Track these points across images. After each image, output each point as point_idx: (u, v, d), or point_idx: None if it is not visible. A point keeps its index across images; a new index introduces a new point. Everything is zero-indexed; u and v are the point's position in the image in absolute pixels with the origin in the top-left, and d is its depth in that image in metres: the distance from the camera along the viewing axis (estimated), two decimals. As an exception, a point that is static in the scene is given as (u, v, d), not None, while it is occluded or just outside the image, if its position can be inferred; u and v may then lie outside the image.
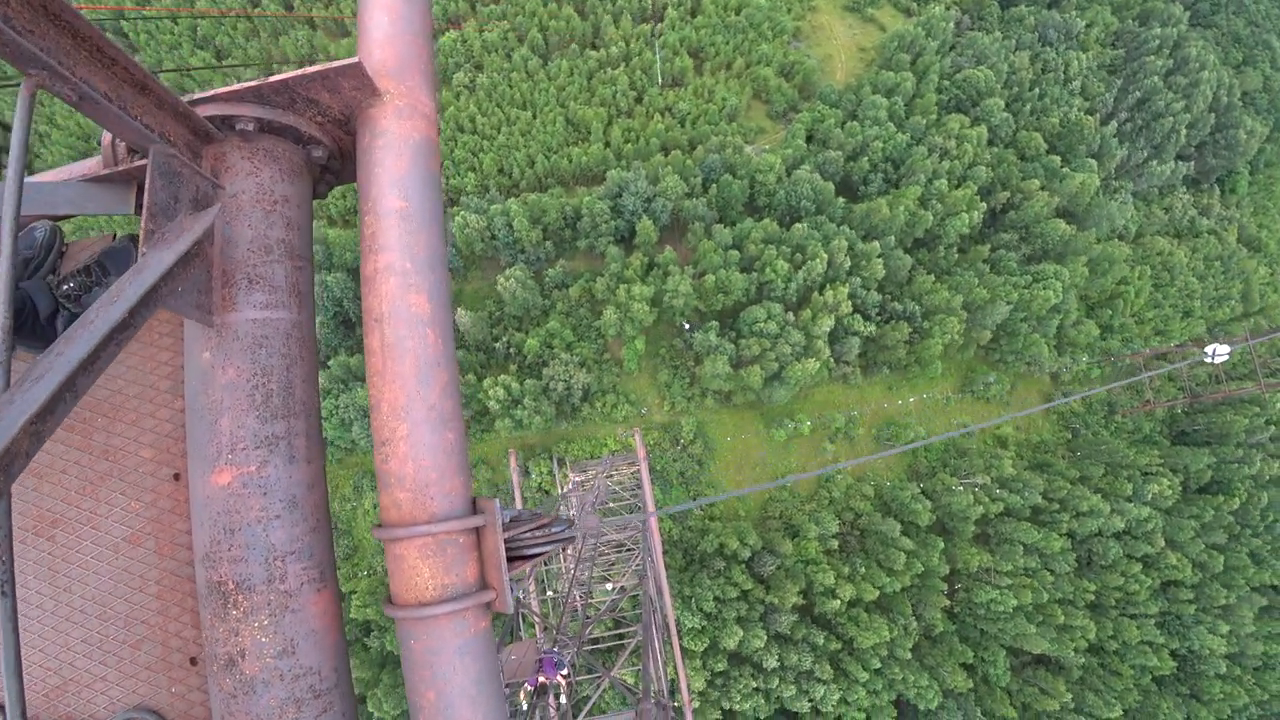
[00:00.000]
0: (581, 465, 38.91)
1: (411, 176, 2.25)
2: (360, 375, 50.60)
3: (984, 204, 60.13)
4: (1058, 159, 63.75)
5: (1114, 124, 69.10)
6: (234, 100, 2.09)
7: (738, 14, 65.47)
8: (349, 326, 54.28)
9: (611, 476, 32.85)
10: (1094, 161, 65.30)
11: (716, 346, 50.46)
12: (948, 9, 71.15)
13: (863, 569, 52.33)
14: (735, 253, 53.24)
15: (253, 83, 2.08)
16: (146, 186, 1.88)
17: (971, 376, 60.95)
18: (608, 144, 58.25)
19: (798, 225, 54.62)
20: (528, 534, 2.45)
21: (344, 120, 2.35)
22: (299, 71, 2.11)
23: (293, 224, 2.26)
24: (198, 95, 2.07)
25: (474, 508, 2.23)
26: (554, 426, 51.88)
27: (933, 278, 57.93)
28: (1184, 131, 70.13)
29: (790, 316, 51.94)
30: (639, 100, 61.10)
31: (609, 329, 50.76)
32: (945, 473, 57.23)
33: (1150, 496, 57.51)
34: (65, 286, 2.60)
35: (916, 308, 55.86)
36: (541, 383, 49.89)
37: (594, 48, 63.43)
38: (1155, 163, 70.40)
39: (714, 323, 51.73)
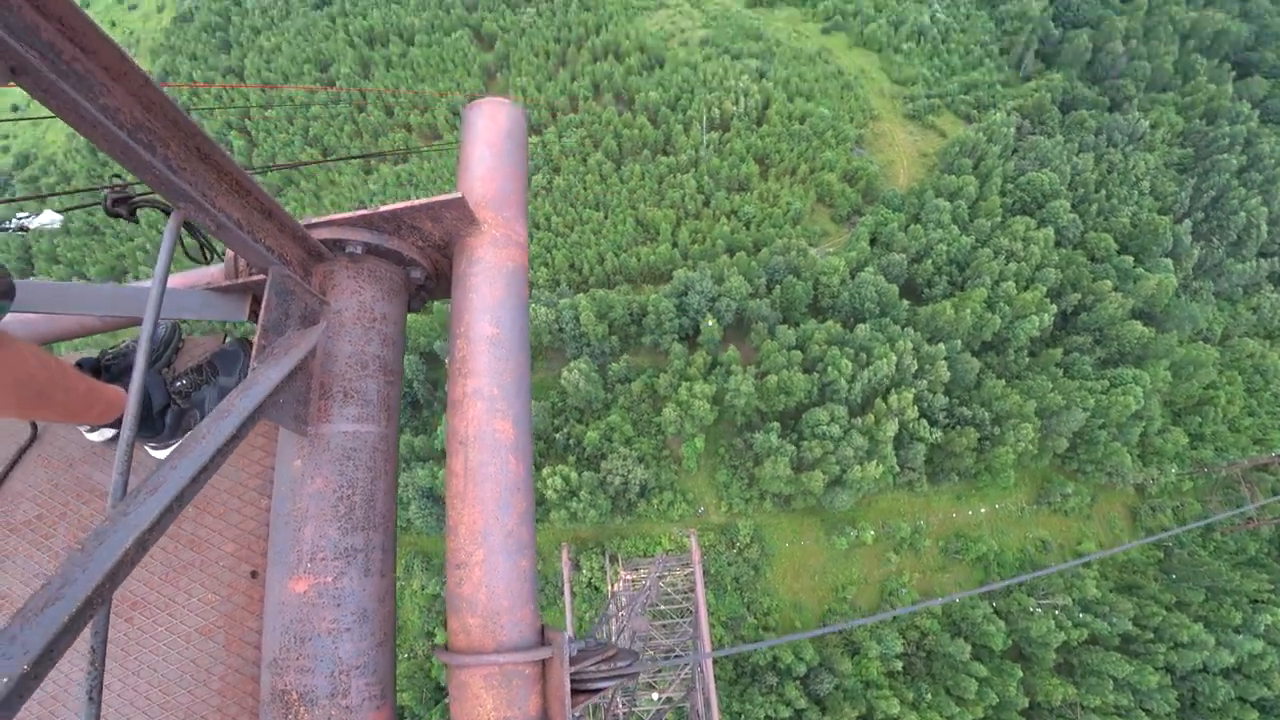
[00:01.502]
0: (634, 563, 37.25)
1: (504, 304, 2.28)
2: (421, 455, 51.21)
3: (1054, 306, 57.26)
4: (1130, 259, 60.72)
5: (1188, 223, 65.71)
6: (346, 226, 2.18)
7: (801, 123, 66.33)
8: (415, 407, 55.05)
9: (664, 577, 31.37)
10: (1170, 261, 61.85)
11: (777, 448, 48.48)
12: (1008, 115, 70.21)
13: (929, 695, 47.45)
14: (798, 353, 51.87)
15: (364, 211, 2.17)
16: (263, 304, 1.97)
17: (1047, 487, 56.40)
18: (675, 244, 58.75)
19: (861, 326, 53.10)
20: (593, 667, 2.21)
21: (443, 245, 2.42)
22: (407, 204, 2.19)
23: (388, 340, 2.29)
24: (314, 220, 2.14)
25: (542, 637, 2.11)
26: (608, 521, 50.31)
27: (1003, 382, 54.79)
28: (1264, 227, 65.95)
29: (854, 420, 49.65)
30: (706, 204, 61.79)
31: (669, 426, 49.63)
32: (1021, 591, 52.27)
33: (1264, 628, 50.70)
34: (179, 383, 2.76)
35: (986, 413, 52.63)
36: (599, 475, 48.79)
37: (665, 154, 65.11)
38: (1235, 261, 66.06)
39: (775, 424, 49.93)
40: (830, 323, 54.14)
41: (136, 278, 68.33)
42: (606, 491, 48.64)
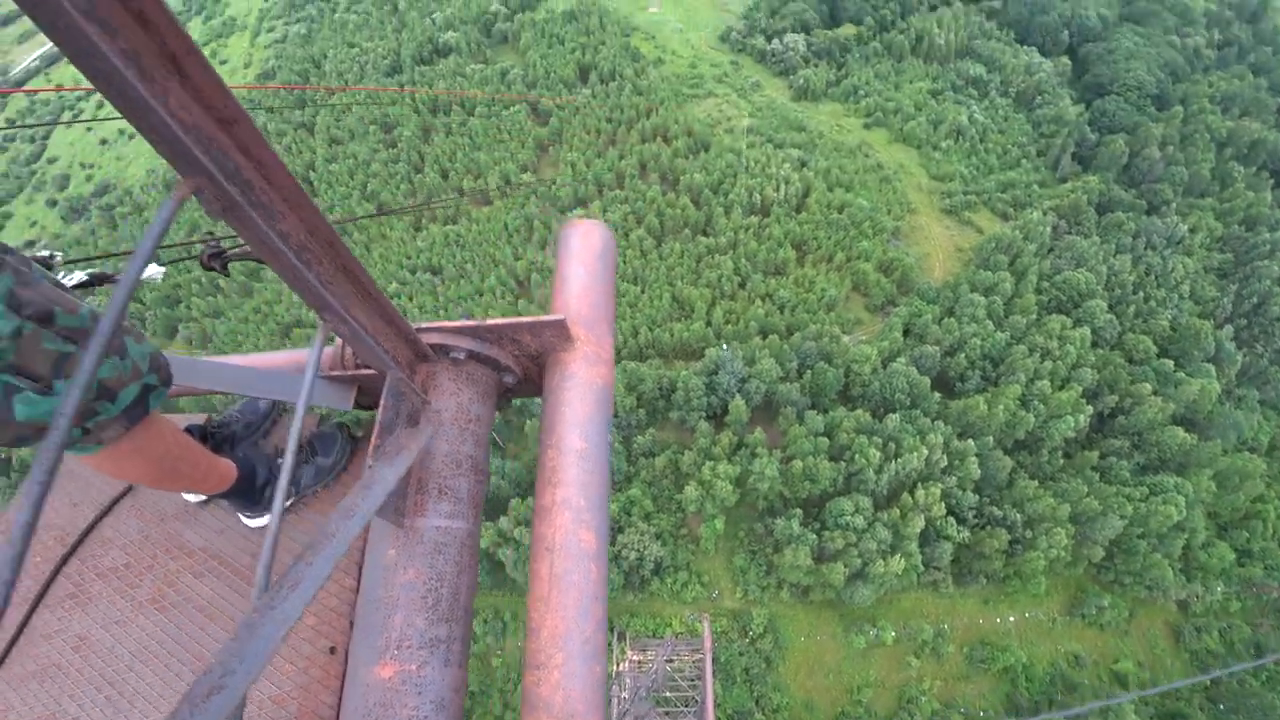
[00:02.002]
0: (642, 643, 35.96)
1: (592, 420, 2.32)
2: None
3: (1090, 407, 55.77)
4: (1170, 363, 59.17)
5: (1230, 328, 64.19)
6: (454, 334, 2.30)
7: (840, 213, 67.18)
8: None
9: (672, 661, 30.38)
10: (1212, 367, 60.16)
11: (798, 536, 47.18)
12: (1044, 214, 70.21)
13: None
14: (825, 440, 51.06)
15: (472, 322, 2.29)
16: (381, 406, 2.19)
17: (1081, 597, 53.65)
18: (709, 323, 59.06)
19: (891, 417, 52.25)
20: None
21: (536, 356, 2.52)
22: (514, 321, 2.31)
23: (479, 440, 2.35)
24: (425, 325, 2.25)
25: None
26: (619, 597, 49.08)
27: (1035, 483, 53.03)
28: (1310, 335, 64.15)
29: (879, 513, 48.28)
30: (742, 285, 62.35)
31: (690, 504, 48.78)
32: (1052, 709, 49.09)
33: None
34: (279, 460, 2.85)
35: (1017, 515, 50.76)
36: (614, 549, 47.79)
37: (705, 234, 66.24)
38: (1281, 369, 64.05)
39: (798, 511, 48.77)
40: (860, 411, 53.39)
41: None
42: (620, 566, 47.59)
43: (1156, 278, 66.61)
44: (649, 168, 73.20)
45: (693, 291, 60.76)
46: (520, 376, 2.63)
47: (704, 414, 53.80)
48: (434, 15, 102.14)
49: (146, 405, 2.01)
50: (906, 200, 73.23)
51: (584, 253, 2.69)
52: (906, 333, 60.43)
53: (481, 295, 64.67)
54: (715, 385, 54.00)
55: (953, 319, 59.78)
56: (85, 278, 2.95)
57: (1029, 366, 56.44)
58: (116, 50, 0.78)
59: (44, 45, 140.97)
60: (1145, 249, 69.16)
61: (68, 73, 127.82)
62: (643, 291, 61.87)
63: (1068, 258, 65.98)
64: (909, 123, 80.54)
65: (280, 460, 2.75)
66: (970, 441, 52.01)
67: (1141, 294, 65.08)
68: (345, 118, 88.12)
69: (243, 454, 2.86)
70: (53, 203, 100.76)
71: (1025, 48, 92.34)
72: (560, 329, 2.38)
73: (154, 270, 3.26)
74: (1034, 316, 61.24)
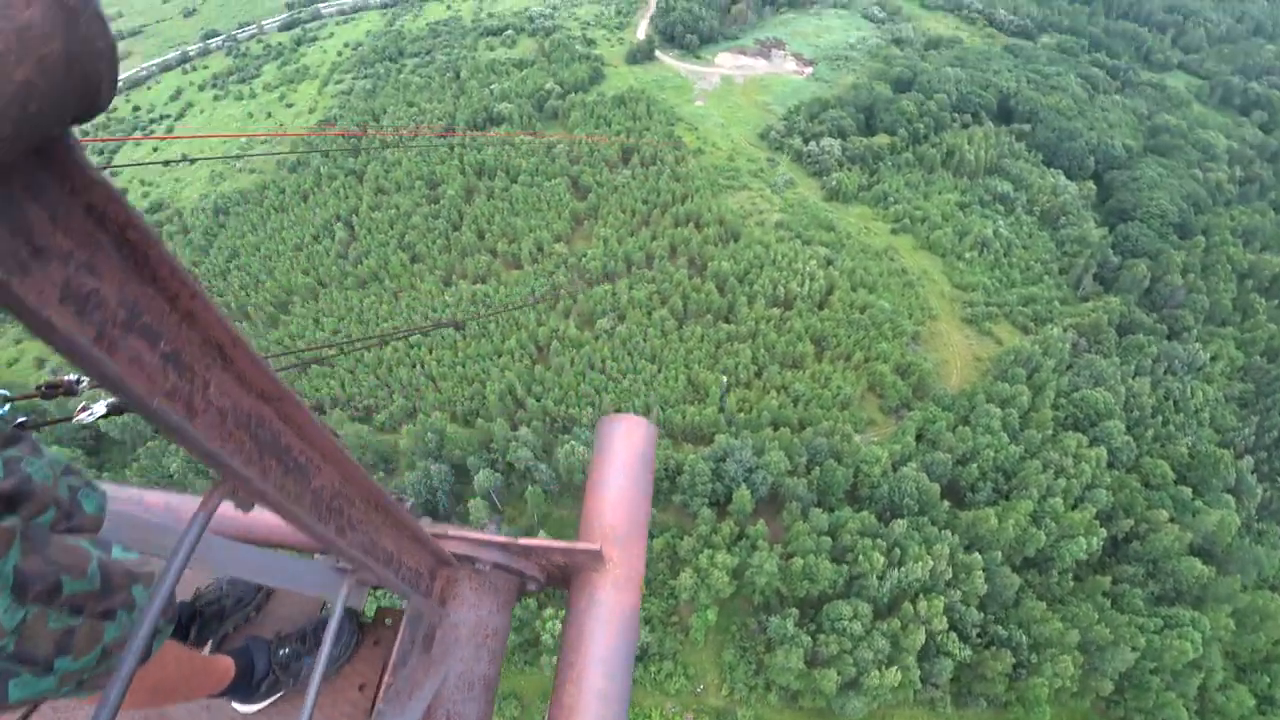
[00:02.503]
0: None
1: (617, 654, 2.28)
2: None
3: (1104, 530, 54.23)
4: (1189, 491, 57.93)
5: (1250, 460, 62.86)
6: (482, 546, 2.25)
7: (861, 313, 67.77)
8: (432, 515, 54.36)
9: None
10: (1231, 498, 58.82)
11: (792, 636, 45.77)
12: (1065, 331, 70.17)
13: None
14: (828, 540, 50.13)
15: (502, 540, 2.27)
16: (398, 640, 2.13)
17: (1087, 733, 50.90)
18: (722, 409, 58.97)
19: (898, 522, 51.32)
20: None
21: (563, 568, 2.45)
22: (547, 544, 2.28)
23: (495, 657, 2.28)
24: (451, 533, 2.22)
25: None
26: None
27: (1044, 605, 51.34)
28: (1333, 475, 62.50)
29: (878, 621, 46.79)
30: (759, 374, 62.55)
31: (683, 592, 47.70)
32: None
33: None
34: (283, 651, 2.65)
35: (1023, 636, 48.91)
36: (602, 630, 46.36)
37: (727, 321, 66.97)
38: (1304, 506, 62.23)
39: (794, 610, 47.43)
40: (866, 513, 52.54)
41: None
42: (609, 651, 46.15)
43: (1176, 403, 65.94)
44: (679, 251, 74.79)
45: (709, 376, 61.02)
46: (544, 582, 2.61)
47: (707, 500, 53.13)
48: (492, 86, 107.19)
49: (149, 651, 1.80)
50: (928, 306, 73.81)
51: (625, 454, 2.60)
52: (919, 438, 59.86)
53: (500, 356, 65.31)
54: (722, 472, 53.51)
55: (967, 428, 59.26)
56: (105, 410, 2.92)
57: (1042, 483, 55.40)
58: (156, 355, 0.75)
59: (131, 69, 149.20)
60: (1165, 373, 68.75)
61: (145, 96, 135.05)
62: (659, 371, 62.22)
63: (1086, 376, 65.62)
64: (935, 231, 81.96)
65: (283, 650, 2.67)
66: (978, 555, 50.77)
67: (1160, 418, 64.30)
68: (394, 171, 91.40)
69: (240, 644, 2.64)
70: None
71: (1052, 170, 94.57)
72: (593, 556, 2.37)
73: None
74: (1050, 432, 60.51)
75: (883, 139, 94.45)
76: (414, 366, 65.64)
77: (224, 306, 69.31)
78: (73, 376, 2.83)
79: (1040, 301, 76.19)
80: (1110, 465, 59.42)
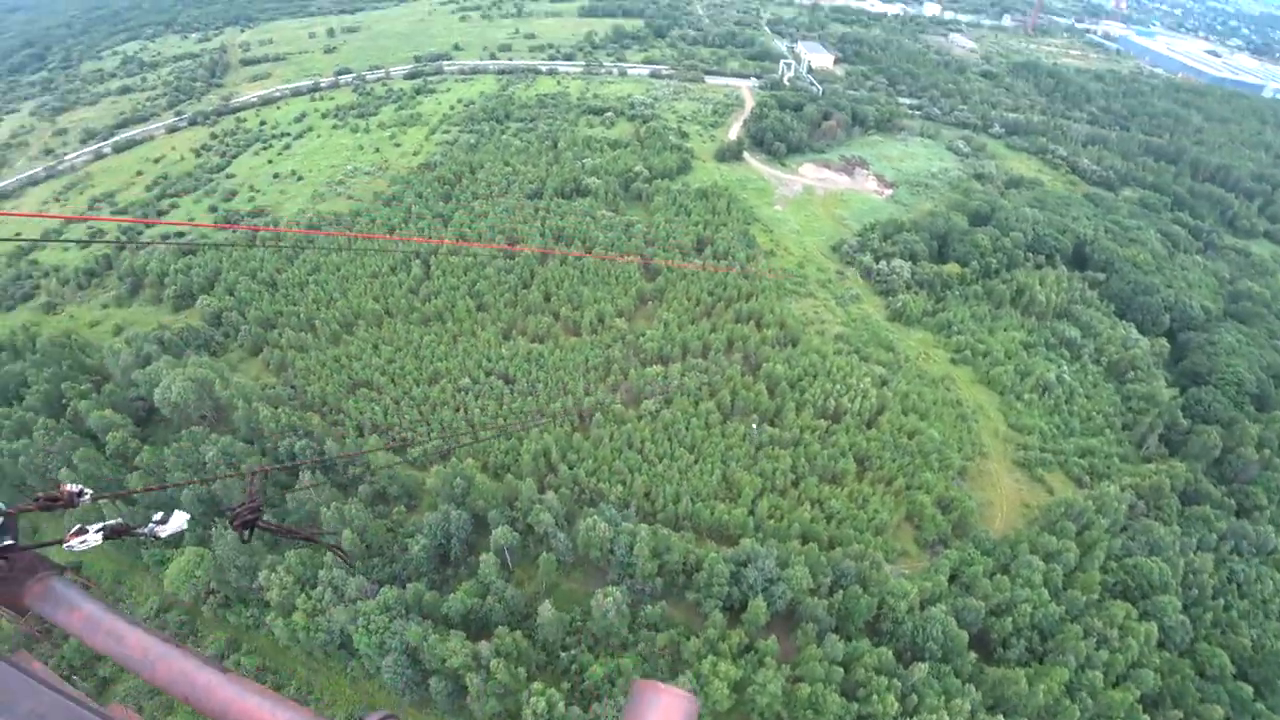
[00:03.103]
0: None
1: None
2: (424, 611, 48.42)
3: (1148, 717, 49.25)
4: (1250, 690, 52.44)
5: None
6: None
7: (910, 438, 65.80)
8: (443, 561, 53.63)
9: None
10: None
11: (786, 772, 42.46)
12: (1122, 490, 66.12)
13: None
14: (841, 671, 47.12)
15: None
16: None
17: None
18: (752, 513, 57.26)
19: (919, 665, 47.91)
20: None
21: None
22: None
23: None
24: None
25: None
26: None
27: (1067, 793, 46.52)
28: None
29: (881, 774, 43.20)
30: (795, 484, 60.80)
31: (682, 696, 44.96)
32: None
33: None
34: None
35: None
36: (587, 717, 44.01)
37: (772, 424, 65.83)
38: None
39: (793, 743, 44.19)
40: (885, 650, 49.31)
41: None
42: (589, 738, 43.64)
43: (1241, 587, 60.81)
44: (735, 347, 74.69)
45: (745, 477, 59.53)
46: None
47: (721, 604, 50.90)
48: (585, 160, 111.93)
49: None
50: (980, 443, 71.16)
51: None
52: (953, 578, 56.53)
53: (543, 416, 65.46)
54: (741, 577, 51.43)
55: (1006, 577, 55.66)
56: (100, 534, 2.97)
57: (1082, 650, 51.27)
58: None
59: (267, 89, 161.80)
60: (1231, 553, 63.70)
61: (273, 115, 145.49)
62: (695, 462, 61.12)
63: (1142, 542, 61.27)
64: (997, 368, 79.87)
65: None
66: (1002, 718, 46.71)
67: (1222, 601, 59.19)
68: (479, 222, 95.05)
69: None
70: (214, 209, 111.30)
71: (1124, 322, 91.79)
72: None
73: (181, 521, 3.28)
74: (1095, 597, 56.36)
75: (953, 268, 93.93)
76: (457, 410, 66.24)
77: (295, 315, 72.11)
78: (74, 488, 2.89)
79: (1099, 455, 72.51)
80: (1161, 645, 54.69)
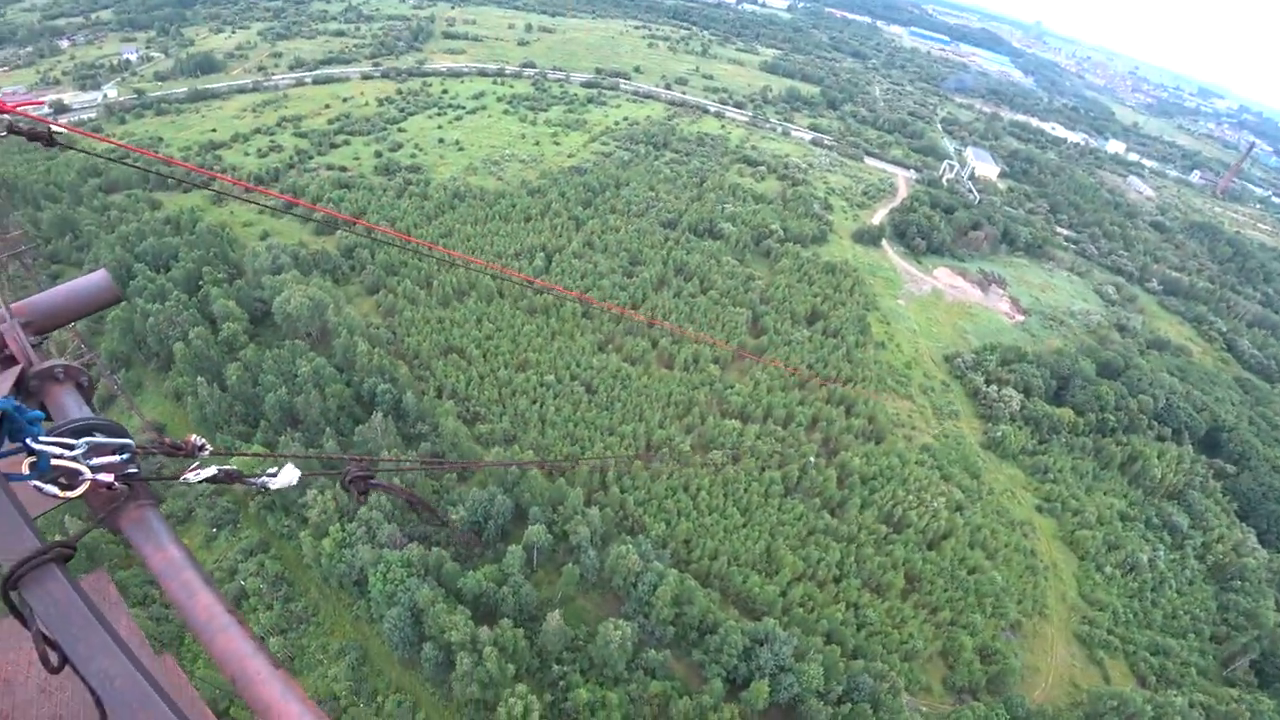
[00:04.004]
0: None
1: None
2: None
3: None
4: None
5: None
6: None
7: (970, 574, 61.77)
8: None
9: None
10: None
11: None
12: (1190, 707, 58.55)
13: None
14: (825, 789, 44.34)
15: None
16: None
17: None
18: (784, 594, 55.24)
19: (906, 815, 44.40)
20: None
21: None
22: None
23: None
24: None
25: None
26: None
27: None
28: None
29: None
30: (837, 580, 58.25)
31: (659, 752, 43.84)
32: None
33: None
34: None
35: None
36: (559, 736, 43.55)
37: (832, 514, 63.52)
38: None
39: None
40: (881, 786, 46.20)
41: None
42: (558, 765, 43.11)
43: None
44: (819, 427, 72.81)
45: (789, 557, 57.57)
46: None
47: (725, 674, 49.13)
48: (726, 205, 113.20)
49: None
50: (1043, 603, 65.67)
51: None
52: (972, 735, 52.38)
53: (611, 434, 66.00)
54: (753, 655, 49.53)
55: (1029, 755, 51.05)
56: (214, 473, 3.04)
57: None
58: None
59: (457, 63, 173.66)
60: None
61: (456, 87, 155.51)
62: (744, 526, 59.76)
63: None
64: (1084, 530, 73.77)
65: None
66: None
67: None
68: (609, 235, 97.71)
69: None
70: (379, 154, 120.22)
71: (1244, 525, 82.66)
72: None
73: (292, 476, 3.37)
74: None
75: (1067, 414, 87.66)
76: (534, 403, 67.89)
77: (417, 270, 76.44)
78: (198, 440, 3.05)
79: (1174, 658, 64.89)
80: None
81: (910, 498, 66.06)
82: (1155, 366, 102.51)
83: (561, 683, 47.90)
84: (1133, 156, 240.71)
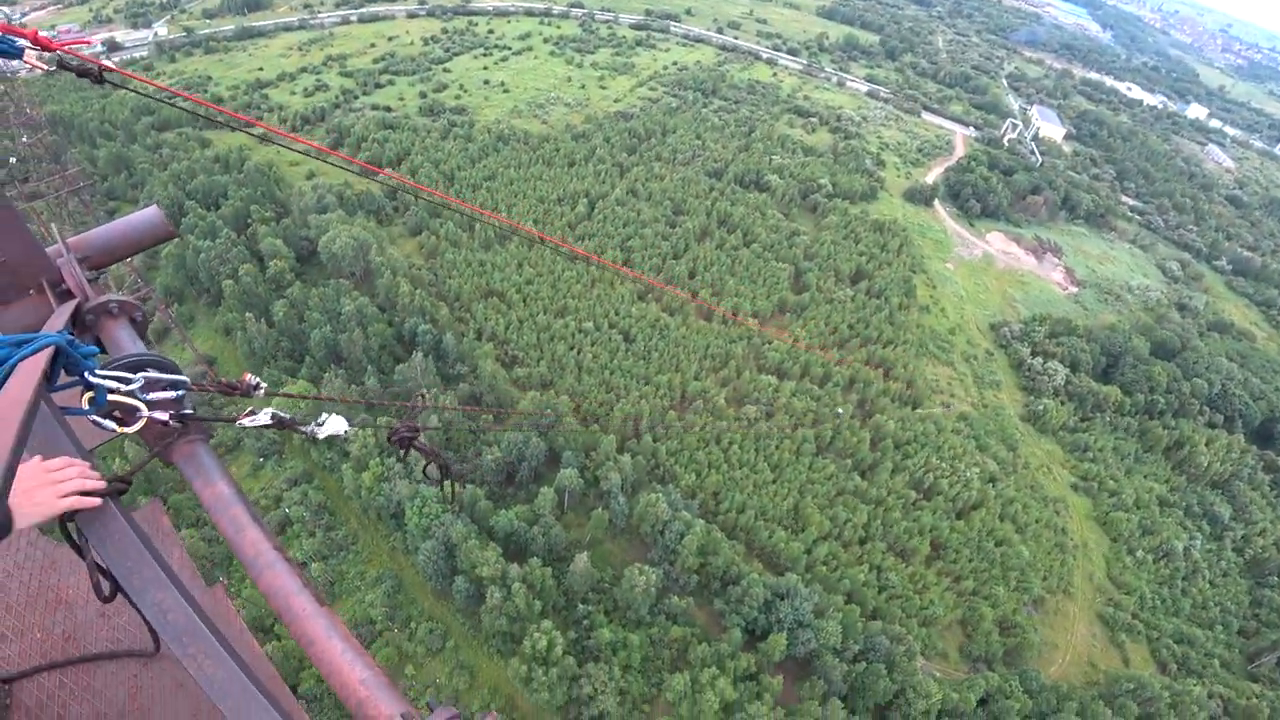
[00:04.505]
0: None
1: None
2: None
3: None
4: None
5: None
6: None
7: (996, 546, 61.60)
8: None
9: None
10: None
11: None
12: (1210, 697, 58.19)
13: None
14: (837, 739, 45.65)
15: None
16: None
17: None
18: (809, 552, 55.83)
19: (915, 771, 45.53)
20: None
21: None
22: None
23: None
24: None
25: None
26: (547, 714, 45.95)
27: None
28: None
29: None
30: (862, 542, 58.61)
31: (670, 691, 45.40)
32: None
33: None
34: None
35: None
36: (579, 671, 45.29)
37: (862, 476, 63.47)
38: None
39: (766, 782, 43.68)
40: (889, 738, 47.32)
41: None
42: (570, 691, 44.82)
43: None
44: (855, 387, 72.13)
45: (817, 515, 58.03)
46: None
47: (744, 624, 50.42)
48: (774, 157, 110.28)
49: None
50: (1069, 581, 65.35)
51: None
52: (983, 703, 52.90)
53: (646, 383, 66.41)
54: (774, 608, 50.58)
55: (1039, 733, 51.43)
56: (269, 420, 3.04)
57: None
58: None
59: (504, 2, 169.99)
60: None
61: (503, 26, 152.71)
62: (773, 482, 60.21)
63: None
64: (1120, 512, 72.58)
65: None
66: None
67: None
68: (652, 183, 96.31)
69: None
70: (423, 95, 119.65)
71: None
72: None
73: (339, 425, 3.38)
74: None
75: (1114, 392, 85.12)
76: (572, 349, 68.51)
77: (459, 213, 76.86)
78: (253, 380, 3.02)
79: (1198, 649, 64.28)
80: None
81: (943, 465, 65.60)
82: (1214, 350, 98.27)
83: (585, 622, 49.68)
84: (1215, 123, 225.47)
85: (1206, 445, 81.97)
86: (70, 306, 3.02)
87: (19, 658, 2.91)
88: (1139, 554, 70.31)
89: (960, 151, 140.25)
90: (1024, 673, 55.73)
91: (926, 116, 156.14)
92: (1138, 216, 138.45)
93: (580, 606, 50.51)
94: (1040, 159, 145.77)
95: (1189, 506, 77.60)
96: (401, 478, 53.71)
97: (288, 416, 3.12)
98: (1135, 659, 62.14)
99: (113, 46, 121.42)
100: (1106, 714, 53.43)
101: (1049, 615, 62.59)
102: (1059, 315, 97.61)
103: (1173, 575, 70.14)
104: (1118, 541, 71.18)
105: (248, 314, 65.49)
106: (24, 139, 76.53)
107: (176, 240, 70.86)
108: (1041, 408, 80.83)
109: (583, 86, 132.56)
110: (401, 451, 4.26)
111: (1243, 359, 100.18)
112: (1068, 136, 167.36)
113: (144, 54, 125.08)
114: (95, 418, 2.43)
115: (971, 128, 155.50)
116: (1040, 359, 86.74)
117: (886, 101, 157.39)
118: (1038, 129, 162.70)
